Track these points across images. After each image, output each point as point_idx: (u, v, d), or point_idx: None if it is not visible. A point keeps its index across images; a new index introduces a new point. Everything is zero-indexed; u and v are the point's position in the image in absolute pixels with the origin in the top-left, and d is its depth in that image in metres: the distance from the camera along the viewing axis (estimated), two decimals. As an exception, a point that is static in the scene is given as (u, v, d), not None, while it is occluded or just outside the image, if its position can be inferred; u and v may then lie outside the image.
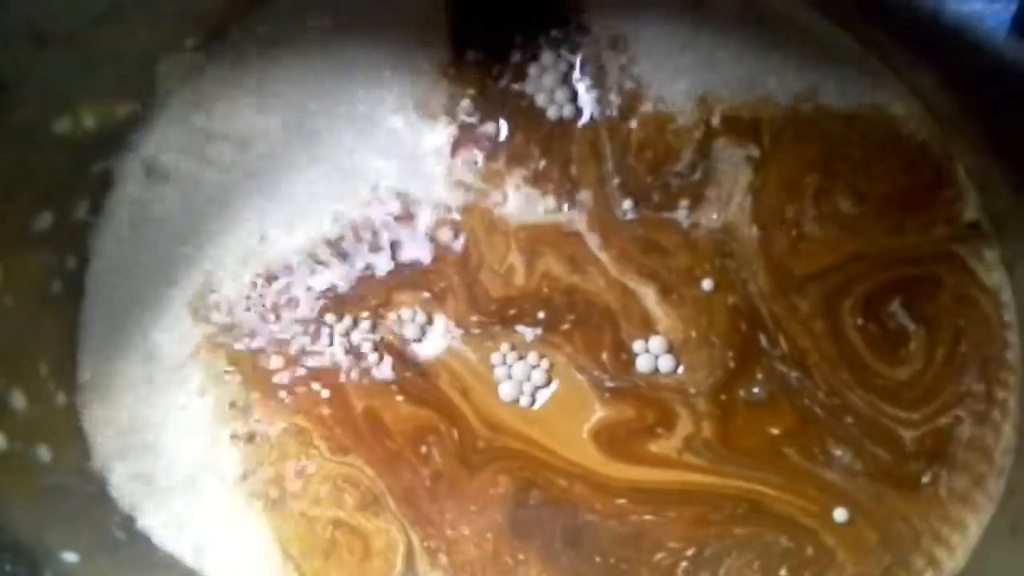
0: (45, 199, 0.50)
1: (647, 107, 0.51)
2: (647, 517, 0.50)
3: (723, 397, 0.51)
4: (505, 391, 0.51)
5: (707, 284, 0.51)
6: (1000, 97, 0.43)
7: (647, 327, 0.51)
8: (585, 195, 0.52)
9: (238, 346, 0.53)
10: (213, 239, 0.53)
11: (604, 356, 0.51)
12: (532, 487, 0.51)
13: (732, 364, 0.51)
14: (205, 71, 0.52)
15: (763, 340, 0.50)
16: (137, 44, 0.50)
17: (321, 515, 0.52)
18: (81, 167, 0.51)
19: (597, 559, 0.51)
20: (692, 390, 0.51)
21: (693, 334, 0.51)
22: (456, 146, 0.52)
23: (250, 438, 0.52)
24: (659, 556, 0.50)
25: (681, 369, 0.51)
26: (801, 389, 0.50)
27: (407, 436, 0.52)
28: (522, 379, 0.51)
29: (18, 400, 0.49)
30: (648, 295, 0.51)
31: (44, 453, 0.49)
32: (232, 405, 0.52)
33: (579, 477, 0.51)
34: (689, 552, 0.50)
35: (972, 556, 0.49)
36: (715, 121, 0.51)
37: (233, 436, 0.52)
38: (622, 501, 0.51)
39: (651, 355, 0.51)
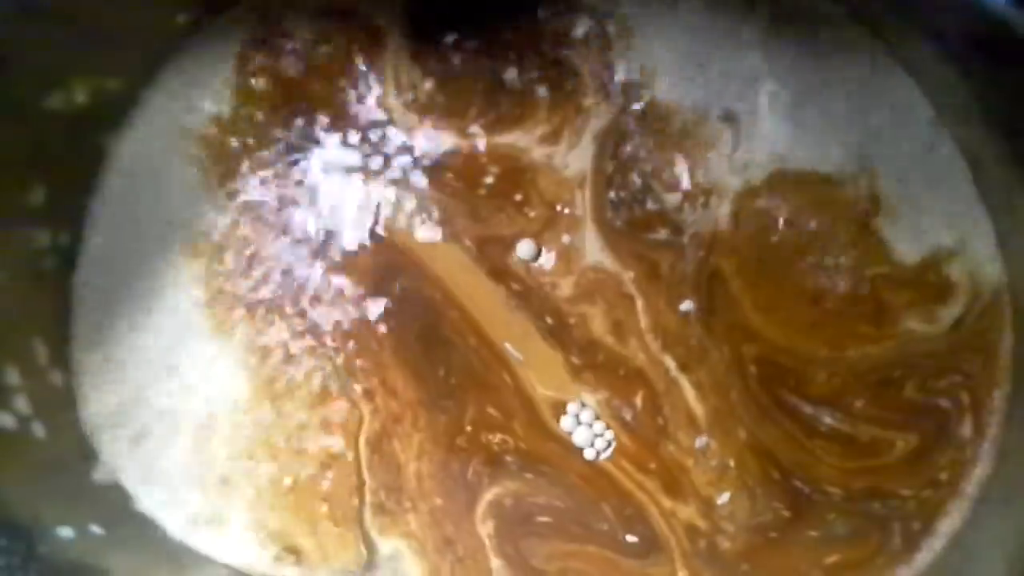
0: (38, 174, 0.49)
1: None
2: (527, 418, 0.51)
3: (773, 535, 0.51)
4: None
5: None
6: (995, 67, 0.43)
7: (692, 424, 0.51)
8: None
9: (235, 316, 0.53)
10: (211, 212, 0.53)
11: (637, 400, 0.51)
12: (398, 280, 0.52)
13: (787, 514, 0.51)
14: (197, 46, 0.52)
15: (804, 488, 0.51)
16: (130, 19, 0.49)
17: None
18: (74, 142, 0.51)
19: (440, 371, 0.52)
20: (724, 512, 0.51)
21: (731, 463, 0.51)
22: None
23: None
24: (492, 412, 0.51)
25: (725, 498, 0.51)
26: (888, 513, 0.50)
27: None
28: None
29: (12, 377, 0.49)
30: (688, 390, 0.51)
31: (39, 430, 0.49)
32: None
33: (481, 338, 0.52)
34: (525, 447, 0.51)
35: (965, 522, 0.50)
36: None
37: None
38: (505, 376, 0.52)
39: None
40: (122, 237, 0.52)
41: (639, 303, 0.51)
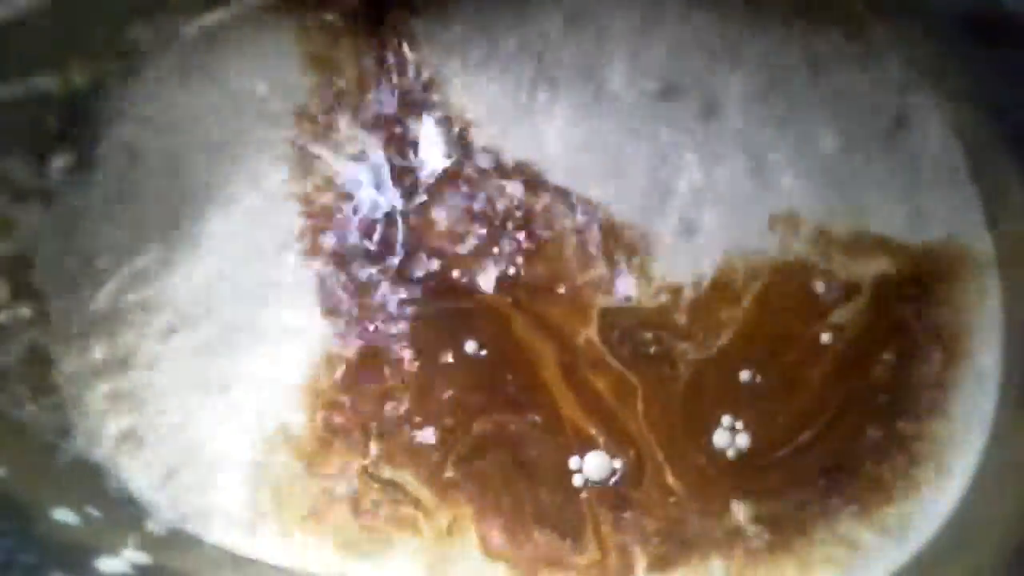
0: (33, 156, 0.49)
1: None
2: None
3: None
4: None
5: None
6: (987, 48, 0.43)
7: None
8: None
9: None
10: (206, 196, 0.52)
11: (630, 453, 0.51)
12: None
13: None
14: (190, 30, 0.51)
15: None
16: (123, 2, 0.49)
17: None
18: (68, 125, 0.50)
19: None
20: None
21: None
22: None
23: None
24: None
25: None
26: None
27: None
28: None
29: (10, 362, 0.49)
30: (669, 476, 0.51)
31: (34, 411, 0.49)
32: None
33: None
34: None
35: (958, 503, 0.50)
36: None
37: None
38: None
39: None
40: (117, 220, 0.52)
41: (640, 390, 0.51)
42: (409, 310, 0.52)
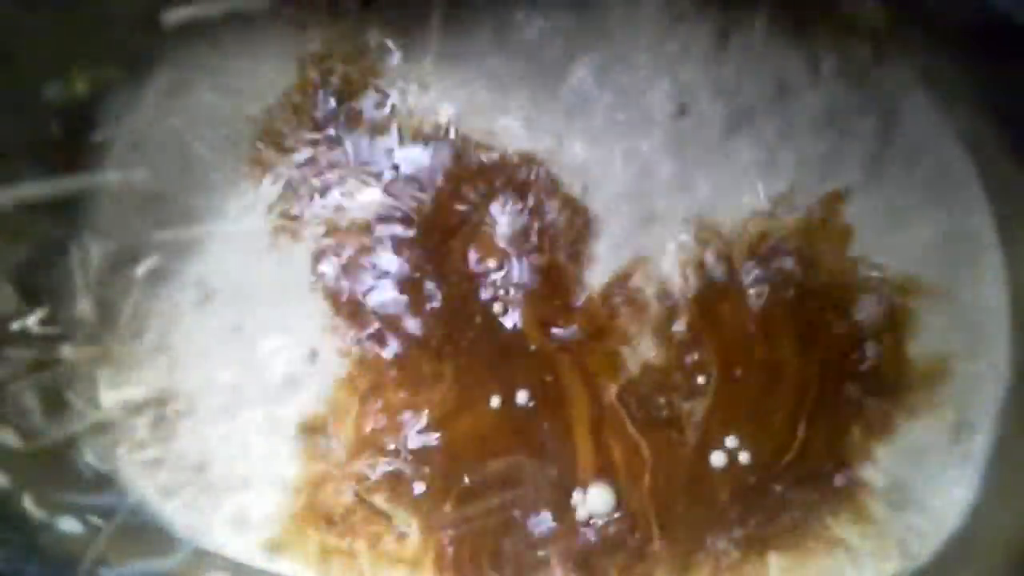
0: (38, 165, 0.49)
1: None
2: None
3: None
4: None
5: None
6: (995, 56, 0.43)
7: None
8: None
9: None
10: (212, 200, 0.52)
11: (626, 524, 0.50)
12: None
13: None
14: (192, 35, 0.51)
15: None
16: (126, 9, 0.49)
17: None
18: (73, 133, 0.50)
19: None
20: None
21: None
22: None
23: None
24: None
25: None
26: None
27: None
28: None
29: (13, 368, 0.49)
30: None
31: (40, 420, 0.49)
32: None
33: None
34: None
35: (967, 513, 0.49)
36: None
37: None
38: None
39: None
40: (122, 226, 0.52)
41: (649, 462, 0.50)
42: (447, 347, 0.51)
